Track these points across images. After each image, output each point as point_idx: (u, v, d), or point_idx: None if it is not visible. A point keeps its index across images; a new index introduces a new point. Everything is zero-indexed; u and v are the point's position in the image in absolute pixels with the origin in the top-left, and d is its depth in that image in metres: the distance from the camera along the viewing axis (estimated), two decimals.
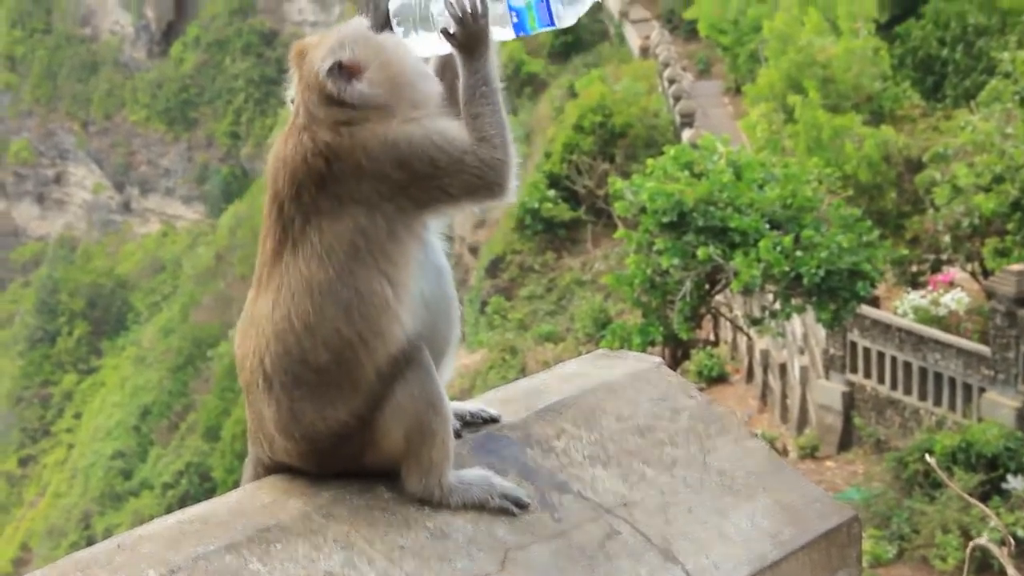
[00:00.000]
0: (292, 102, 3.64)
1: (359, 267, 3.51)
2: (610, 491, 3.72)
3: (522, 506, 3.58)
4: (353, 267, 3.51)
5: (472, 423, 3.85)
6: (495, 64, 3.63)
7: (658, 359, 4.28)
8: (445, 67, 3.72)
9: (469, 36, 3.58)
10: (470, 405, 3.91)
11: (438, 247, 3.66)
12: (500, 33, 3.62)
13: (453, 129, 3.58)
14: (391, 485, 3.56)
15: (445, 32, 3.57)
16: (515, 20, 3.61)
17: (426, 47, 3.65)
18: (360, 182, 3.52)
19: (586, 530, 3.59)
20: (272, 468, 3.68)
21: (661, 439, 3.93)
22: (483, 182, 3.58)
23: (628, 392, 4.08)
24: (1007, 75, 31.23)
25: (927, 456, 7.85)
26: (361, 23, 3.64)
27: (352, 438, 3.55)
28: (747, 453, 3.97)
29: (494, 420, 3.88)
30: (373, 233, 3.51)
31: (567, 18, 3.61)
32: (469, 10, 3.55)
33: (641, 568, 3.53)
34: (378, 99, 3.55)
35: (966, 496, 8.99)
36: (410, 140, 3.53)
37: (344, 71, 3.54)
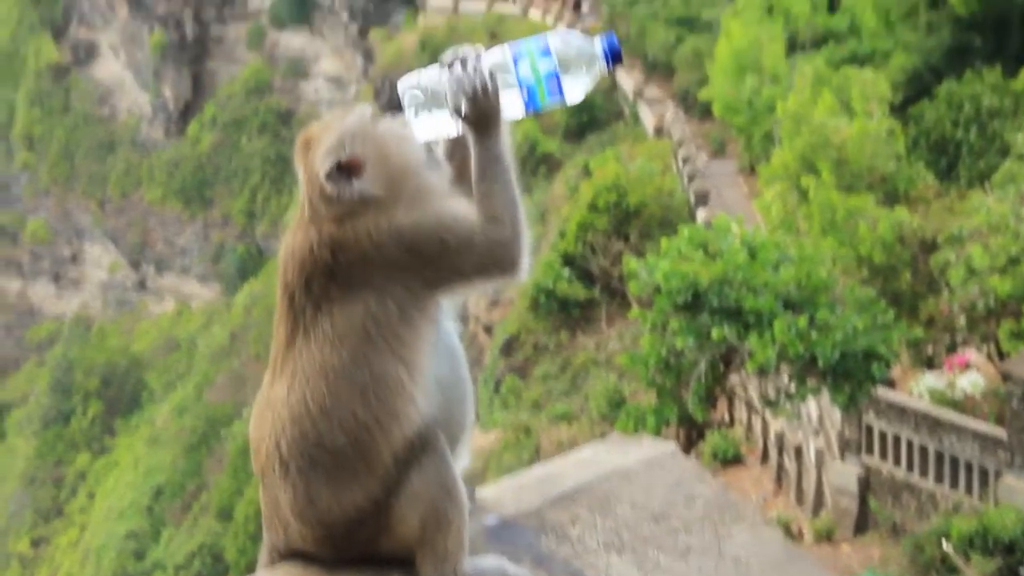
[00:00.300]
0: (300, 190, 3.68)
1: (372, 351, 3.52)
2: None
3: None
4: (366, 351, 3.52)
5: None
6: (507, 142, 3.65)
7: (673, 445, 4.27)
8: (455, 147, 3.74)
9: (480, 114, 3.60)
10: None
11: (451, 330, 3.67)
12: (511, 110, 3.64)
13: (461, 209, 3.60)
14: (406, 572, 3.54)
15: (457, 110, 3.59)
16: (525, 97, 3.63)
17: (437, 128, 3.66)
18: (368, 269, 3.54)
19: None
20: (287, 555, 3.66)
21: (676, 526, 3.91)
22: (493, 260, 3.59)
23: (643, 478, 4.06)
24: (1021, 157, 31.26)
25: (944, 542, 7.79)
26: (364, 113, 3.66)
27: (367, 523, 3.53)
28: (762, 541, 3.94)
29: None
30: (384, 317, 3.53)
31: (576, 92, 3.63)
32: (480, 87, 3.57)
33: None
34: (379, 193, 3.58)
35: None
36: (417, 224, 3.55)
37: (343, 170, 3.57)
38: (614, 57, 3.60)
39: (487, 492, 3.96)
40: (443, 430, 3.56)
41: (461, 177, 3.68)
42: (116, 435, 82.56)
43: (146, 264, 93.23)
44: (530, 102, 3.64)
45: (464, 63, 3.59)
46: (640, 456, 4.18)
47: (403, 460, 3.51)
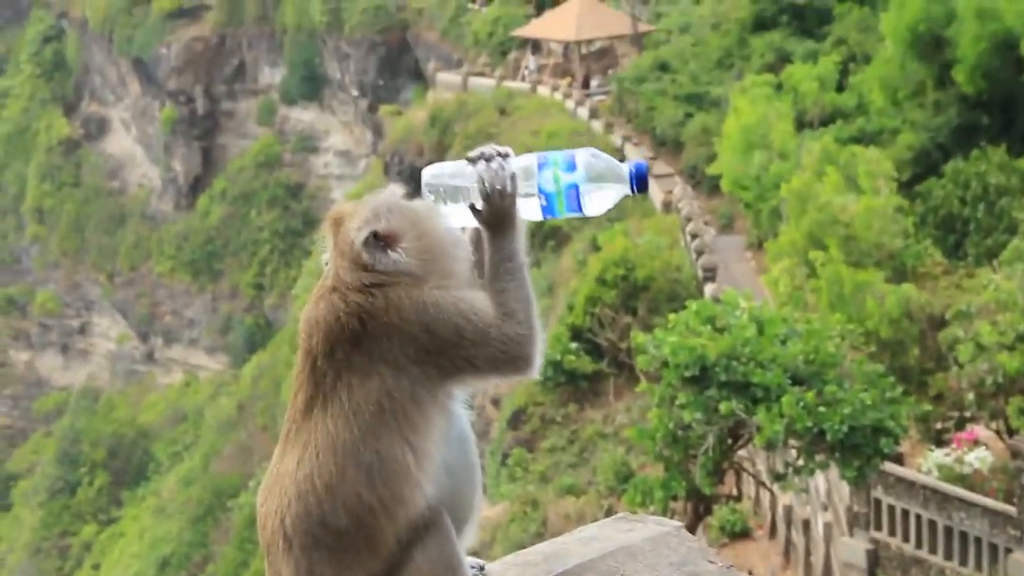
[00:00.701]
0: (325, 265, 3.71)
1: (383, 430, 3.53)
2: None
3: None
4: (377, 429, 3.53)
5: None
6: (521, 241, 3.68)
7: (678, 523, 4.28)
8: (479, 237, 3.77)
9: (495, 213, 3.64)
10: (471, 564, 3.90)
11: (463, 416, 3.68)
12: (528, 212, 3.69)
13: (480, 301, 3.63)
14: None
15: (472, 208, 3.64)
16: (544, 203, 3.68)
17: (456, 219, 3.72)
18: (391, 341, 3.57)
19: None
20: None
21: None
22: (507, 356, 3.62)
23: (648, 556, 4.07)
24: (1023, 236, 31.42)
25: None
26: (395, 191, 3.71)
27: None
28: None
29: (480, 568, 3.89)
30: (398, 395, 3.55)
31: (595, 207, 3.68)
32: (499, 188, 3.62)
33: None
34: (412, 267, 3.62)
35: None
36: (438, 306, 3.57)
37: (379, 240, 3.61)
38: (640, 184, 3.65)
39: (493, 567, 3.97)
40: (450, 512, 3.58)
41: (481, 267, 3.72)
42: (122, 506, 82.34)
43: (154, 336, 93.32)
44: (548, 209, 3.69)
45: (488, 161, 3.65)
46: (646, 534, 4.19)
47: (407, 540, 3.53)
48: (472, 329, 3.58)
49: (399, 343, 3.56)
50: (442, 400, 3.60)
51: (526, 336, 3.64)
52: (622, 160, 3.72)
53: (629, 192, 3.68)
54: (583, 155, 3.67)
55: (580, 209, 3.67)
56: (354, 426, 3.54)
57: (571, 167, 3.66)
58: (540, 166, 3.67)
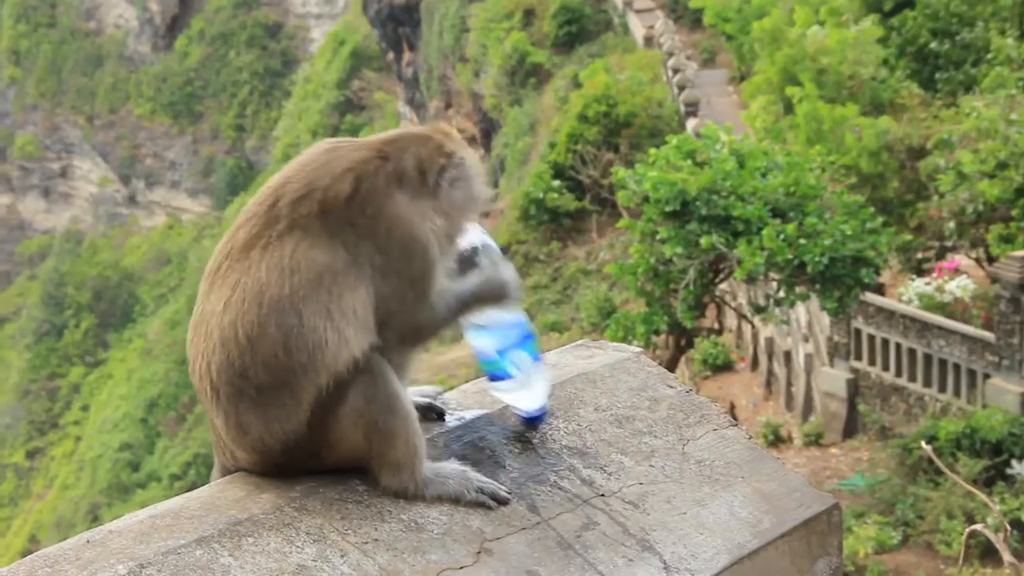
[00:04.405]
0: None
1: (312, 299, 3.41)
2: (587, 481, 3.70)
3: (499, 500, 3.55)
4: (307, 296, 3.41)
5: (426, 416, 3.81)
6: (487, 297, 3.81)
7: (638, 349, 4.26)
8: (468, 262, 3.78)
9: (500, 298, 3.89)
10: (428, 392, 3.89)
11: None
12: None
13: (451, 295, 3.66)
14: (365, 478, 3.53)
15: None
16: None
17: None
18: (362, 240, 3.47)
19: (563, 520, 3.57)
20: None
21: (640, 429, 3.91)
22: (412, 327, 3.60)
23: (607, 382, 4.05)
24: (1007, 61, 31.16)
25: (924, 445, 7.82)
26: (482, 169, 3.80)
27: (304, 445, 3.48)
28: (726, 442, 3.94)
29: (440, 416, 3.86)
30: (342, 280, 3.44)
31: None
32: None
33: (618, 558, 3.50)
34: (444, 205, 3.61)
35: (965, 484, 8.93)
36: (426, 251, 3.54)
37: (452, 165, 3.63)
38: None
39: (450, 395, 3.96)
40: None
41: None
42: (109, 348, 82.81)
43: (136, 178, 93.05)
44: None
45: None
46: (605, 360, 4.17)
47: (335, 386, 3.45)
48: (420, 292, 3.57)
49: (374, 245, 3.47)
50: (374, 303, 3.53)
51: (432, 329, 3.67)
52: None
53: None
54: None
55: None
56: (286, 283, 3.41)
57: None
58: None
